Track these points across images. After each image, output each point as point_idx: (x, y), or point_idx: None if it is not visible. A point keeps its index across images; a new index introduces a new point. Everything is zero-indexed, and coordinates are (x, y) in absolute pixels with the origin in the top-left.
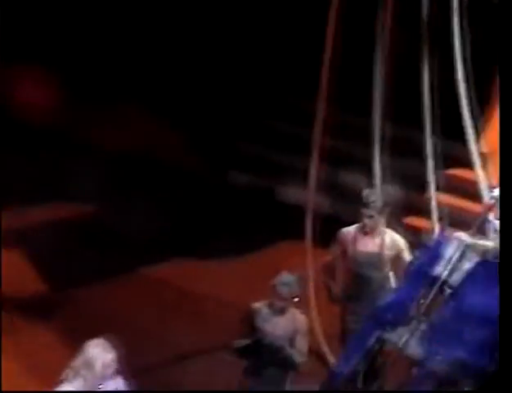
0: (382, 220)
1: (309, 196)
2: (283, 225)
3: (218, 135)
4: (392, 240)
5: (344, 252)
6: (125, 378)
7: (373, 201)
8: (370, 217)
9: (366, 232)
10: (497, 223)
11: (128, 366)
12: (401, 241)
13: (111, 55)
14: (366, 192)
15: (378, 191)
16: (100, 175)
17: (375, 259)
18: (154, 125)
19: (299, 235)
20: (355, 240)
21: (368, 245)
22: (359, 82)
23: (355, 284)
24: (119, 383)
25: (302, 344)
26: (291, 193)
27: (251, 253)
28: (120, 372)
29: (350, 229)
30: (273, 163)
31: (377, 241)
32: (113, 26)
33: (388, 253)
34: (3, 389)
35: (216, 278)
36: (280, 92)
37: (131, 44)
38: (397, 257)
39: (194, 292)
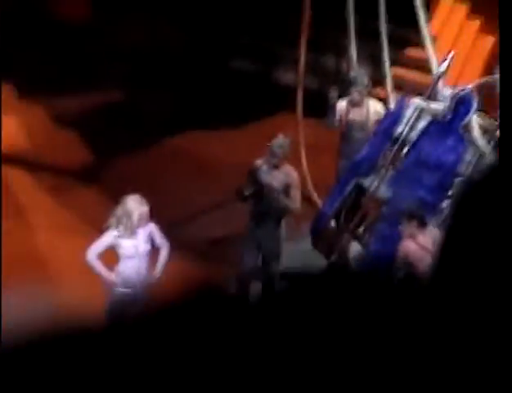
0: (365, 93)
1: (299, 76)
2: (278, 101)
3: (220, 30)
4: (374, 108)
5: (340, 120)
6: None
7: (360, 79)
8: (359, 92)
9: (354, 104)
10: (445, 90)
11: (155, 219)
12: (381, 108)
13: None
14: (354, 73)
15: (362, 71)
16: (122, 68)
17: (363, 124)
18: (163, 27)
19: (292, 108)
20: (347, 111)
21: (356, 114)
22: None
23: (347, 143)
24: (151, 227)
25: (295, 194)
26: (284, 76)
27: (253, 124)
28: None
29: (342, 103)
30: (268, 51)
31: (364, 110)
32: None
33: (371, 118)
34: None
35: (225, 145)
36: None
37: None
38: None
39: (208, 158)
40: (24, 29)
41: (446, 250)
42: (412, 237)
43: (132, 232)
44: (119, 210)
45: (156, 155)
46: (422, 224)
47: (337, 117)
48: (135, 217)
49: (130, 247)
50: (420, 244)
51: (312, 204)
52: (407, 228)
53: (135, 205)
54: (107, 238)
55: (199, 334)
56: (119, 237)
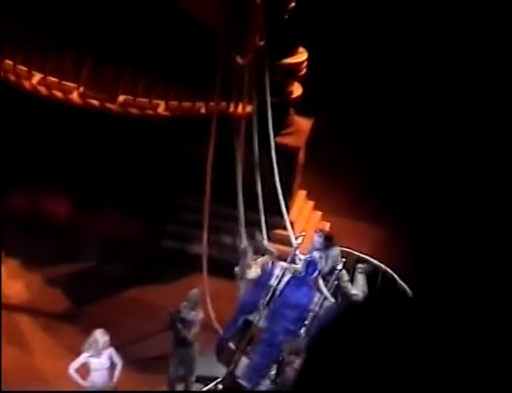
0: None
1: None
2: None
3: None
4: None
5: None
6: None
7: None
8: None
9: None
10: (301, 255)
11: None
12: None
13: None
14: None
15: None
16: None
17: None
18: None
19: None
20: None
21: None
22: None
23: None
24: (111, 351)
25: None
26: (193, 249)
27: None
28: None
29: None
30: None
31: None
32: None
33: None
34: None
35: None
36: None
37: None
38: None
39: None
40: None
41: (301, 376)
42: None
43: (98, 353)
44: (90, 339)
45: (115, 304)
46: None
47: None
48: (100, 343)
49: (97, 363)
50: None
51: (214, 332)
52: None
53: (100, 335)
54: (82, 358)
55: None
56: (89, 356)
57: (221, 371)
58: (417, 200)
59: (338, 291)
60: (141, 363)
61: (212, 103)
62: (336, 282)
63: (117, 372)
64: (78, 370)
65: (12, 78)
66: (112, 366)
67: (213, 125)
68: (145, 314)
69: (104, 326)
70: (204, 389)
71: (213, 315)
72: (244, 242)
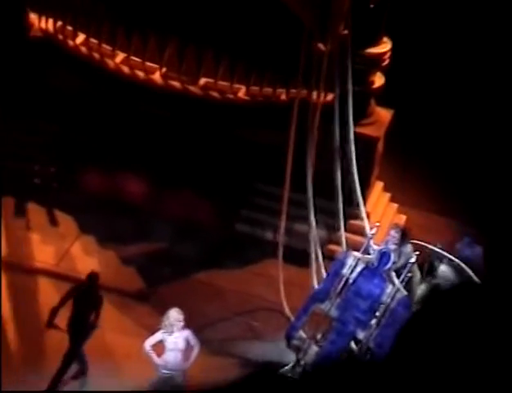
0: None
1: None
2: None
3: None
4: None
5: None
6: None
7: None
8: None
9: None
10: (374, 246)
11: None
12: None
13: None
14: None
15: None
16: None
17: None
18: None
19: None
20: None
21: None
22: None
23: None
24: (187, 332)
25: None
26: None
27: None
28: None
29: None
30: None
31: None
32: None
33: None
34: None
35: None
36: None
37: None
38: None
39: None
40: None
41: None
42: None
43: (172, 332)
44: (166, 317)
45: (185, 286)
46: None
47: None
48: (175, 323)
49: (172, 343)
50: None
51: (286, 319)
52: None
53: (176, 315)
54: (158, 335)
55: None
56: (166, 334)
57: (290, 358)
58: (495, 198)
59: (410, 284)
60: (208, 346)
61: (293, 90)
62: (409, 275)
63: (193, 356)
64: (153, 348)
65: (96, 56)
66: (188, 348)
67: (294, 112)
68: (214, 298)
69: (174, 307)
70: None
71: (285, 302)
72: (314, 230)
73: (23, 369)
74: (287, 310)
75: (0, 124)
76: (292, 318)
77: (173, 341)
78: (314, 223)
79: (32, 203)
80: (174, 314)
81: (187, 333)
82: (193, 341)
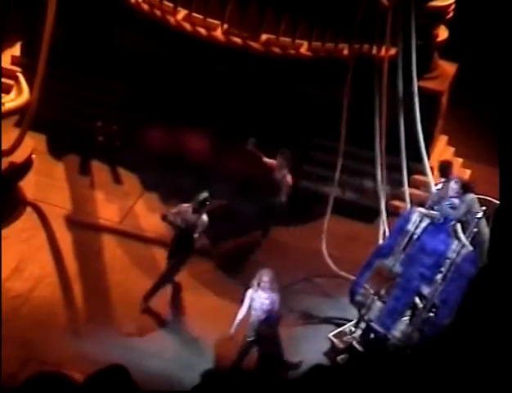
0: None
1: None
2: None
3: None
4: None
5: None
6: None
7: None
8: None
9: None
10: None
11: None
12: None
13: None
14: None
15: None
16: None
17: None
18: None
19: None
20: None
21: None
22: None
23: None
24: (275, 296)
25: None
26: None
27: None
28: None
29: None
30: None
31: None
32: None
33: None
34: None
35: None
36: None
37: None
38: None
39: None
40: None
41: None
42: None
43: (259, 290)
44: (257, 277)
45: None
46: None
47: None
48: (262, 282)
49: (257, 302)
50: None
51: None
52: None
53: (264, 275)
54: (249, 293)
55: None
56: (254, 292)
57: (351, 313)
58: None
59: (477, 239)
60: None
61: (356, 45)
62: (476, 230)
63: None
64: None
65: (158, 13)
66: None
67: (350, 67)
68: (276, 254)
69: (237, 264)
70: (338, 331)
71: (331, 263)
72: (380, 186)
73: (88, 326)
74: (329, 261)
75: (69, 82)
76: (332, 266)
77: (259, 300)
78: (381, 179)
79: (96, 162)
80: (264, 275)
81: (275, 297)
82: (276, 305)
